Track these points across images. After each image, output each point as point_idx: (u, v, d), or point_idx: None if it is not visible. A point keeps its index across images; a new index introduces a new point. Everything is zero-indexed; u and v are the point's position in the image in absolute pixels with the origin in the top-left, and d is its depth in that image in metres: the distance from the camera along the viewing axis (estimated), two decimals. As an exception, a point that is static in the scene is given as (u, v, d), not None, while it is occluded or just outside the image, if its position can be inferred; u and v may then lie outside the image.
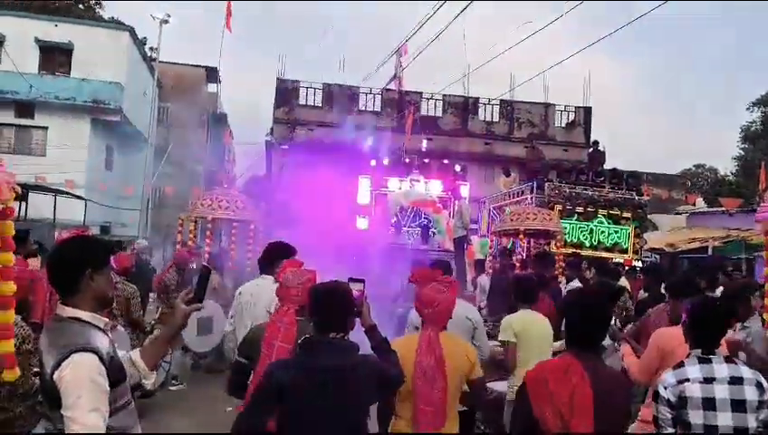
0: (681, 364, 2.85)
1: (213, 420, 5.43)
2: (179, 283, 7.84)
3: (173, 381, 7.42)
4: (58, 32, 22.74)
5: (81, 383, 1.96)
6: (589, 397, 2.29)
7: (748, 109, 35.63)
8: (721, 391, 2.70)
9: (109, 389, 2.04)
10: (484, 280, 9.53)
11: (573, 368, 2.35)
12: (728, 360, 2.85)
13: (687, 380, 2.75)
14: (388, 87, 27.27)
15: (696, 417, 2.71)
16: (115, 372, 2.12)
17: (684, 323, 3.01)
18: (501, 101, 28.07)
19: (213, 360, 8.40)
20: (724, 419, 2.67)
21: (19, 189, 6.00)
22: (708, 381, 2.73)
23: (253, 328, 3.40)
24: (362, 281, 2.92)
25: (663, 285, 5.71)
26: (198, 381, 7.60)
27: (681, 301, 3.76)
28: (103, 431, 1.96)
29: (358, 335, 2.82)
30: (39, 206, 17.97)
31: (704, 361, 2.80)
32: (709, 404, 2.69)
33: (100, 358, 2.04)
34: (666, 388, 2.80)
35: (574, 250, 11.95)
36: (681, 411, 2.75)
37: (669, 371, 2.87)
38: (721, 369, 2.75)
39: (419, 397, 2.90)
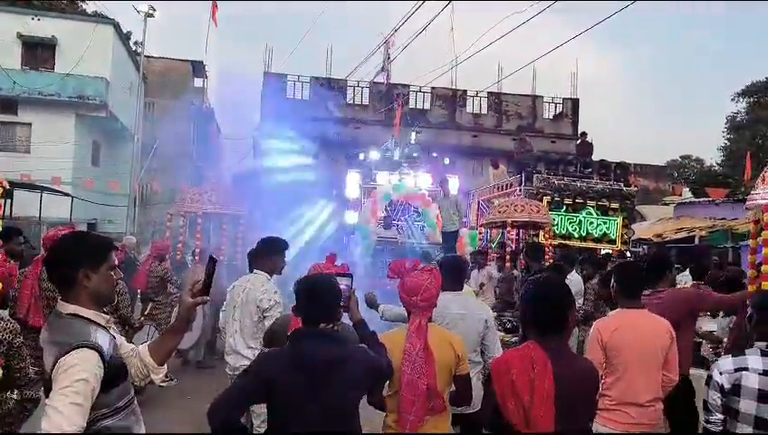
0: (742, 353, 2.81)
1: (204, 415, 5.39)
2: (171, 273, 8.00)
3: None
4: (41, 26, 22.41)
5: (75, 377, 1.92)
6: (550, 386, 2.19)
7: (733, 99, 35.94)
8: None
9: (99, 387, 1.99)
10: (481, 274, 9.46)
11: (537, 356, 2.25)
12: None
13: (746, 368, 2.72)
14: (375, 80, 27.19)
15: (747, 407, 2.69)
16: (114, 370, 2.09)
17: (749, 316, 2.94)
18: (489, 93, 28.08)
19: (205, 355, 8.41)
20: None
21: (7, 184, 5.94)
22: (767, 374, 2.69)
23: (278, 319, 3.41)
24: (350, 276, 2.93)
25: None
26: (189, 377, 7.57)
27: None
28: (78, 428, 1.90)
29: None
30: (24, 203, 17.82)
31: (767, 354, 2.75)
32: (764, 397, 2.67)
33: (101, 355, 2.01)
34: (721, 373, 2.78)
35: (562, 241, 12.04)
36: (731, 398, 2.73)
37: (728, 357, 2.84)
38: None
39: (406, 386, 2.81)
